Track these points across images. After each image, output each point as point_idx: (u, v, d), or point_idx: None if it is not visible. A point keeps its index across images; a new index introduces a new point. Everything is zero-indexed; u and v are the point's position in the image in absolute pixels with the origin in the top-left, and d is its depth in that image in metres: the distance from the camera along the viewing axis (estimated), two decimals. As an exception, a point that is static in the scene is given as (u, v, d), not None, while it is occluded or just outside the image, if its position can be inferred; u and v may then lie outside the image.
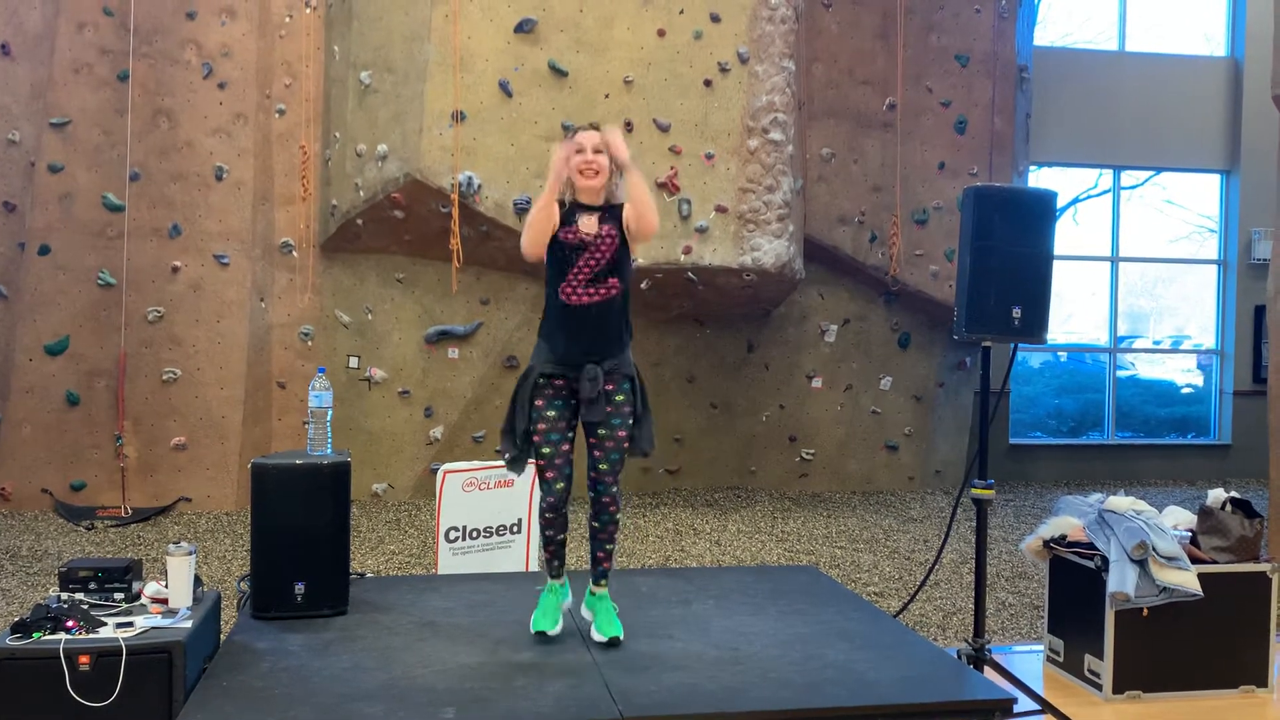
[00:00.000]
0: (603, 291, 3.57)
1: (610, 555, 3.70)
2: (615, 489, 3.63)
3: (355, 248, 8.78)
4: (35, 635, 3.18)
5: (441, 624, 3.87)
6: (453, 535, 5.15)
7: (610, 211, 3.63)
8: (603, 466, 3.60)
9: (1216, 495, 4.59)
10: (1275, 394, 6.69)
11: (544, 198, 3.58)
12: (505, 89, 8.14)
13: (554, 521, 3.65)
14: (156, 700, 3.15)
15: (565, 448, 3.59)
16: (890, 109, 9.61)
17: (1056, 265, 4.28)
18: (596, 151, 3.60)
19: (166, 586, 3.55)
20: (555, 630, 3.64)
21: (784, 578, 4.71)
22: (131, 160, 8.27)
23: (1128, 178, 11.91)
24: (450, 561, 5.12)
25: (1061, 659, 4.64)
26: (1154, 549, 4.25)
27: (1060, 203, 11.41)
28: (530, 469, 3.80)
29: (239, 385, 8.43)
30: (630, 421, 3.59)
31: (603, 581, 3.69)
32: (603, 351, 3.56)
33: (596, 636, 3.58)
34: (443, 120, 8.03)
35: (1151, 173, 11.96)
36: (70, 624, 3.22)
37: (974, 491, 4.22)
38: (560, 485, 3.59)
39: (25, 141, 8.26)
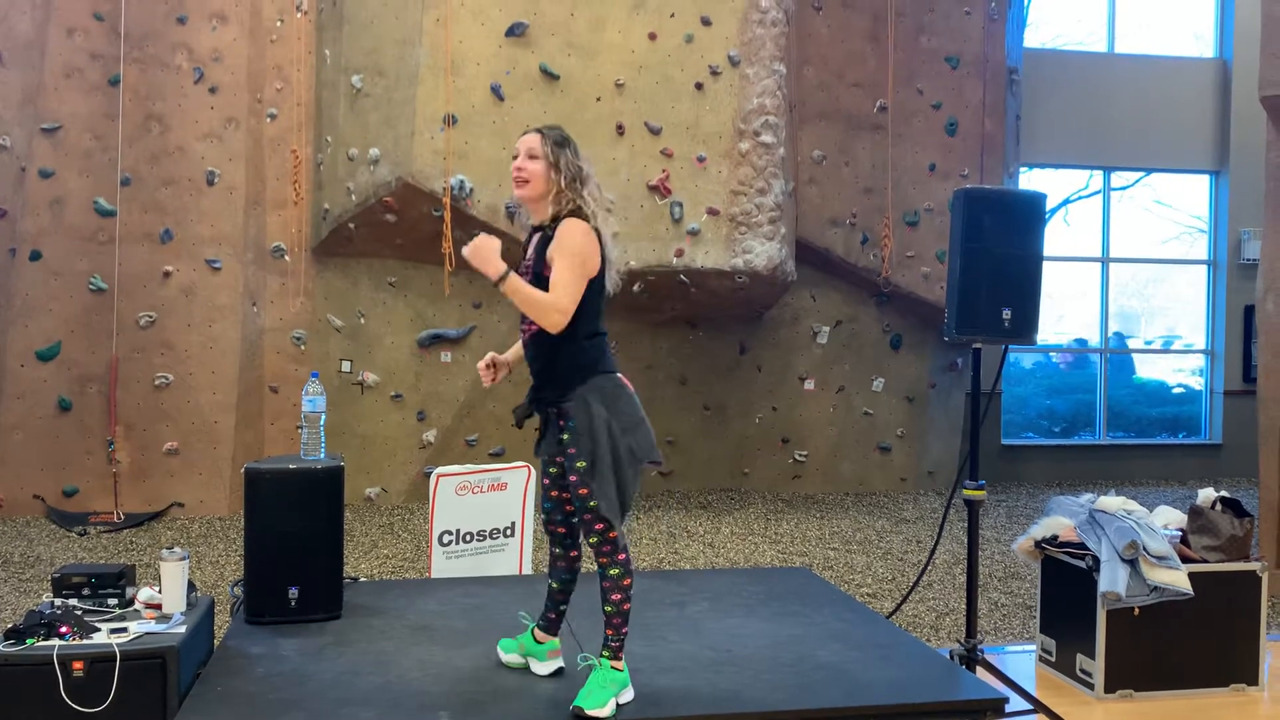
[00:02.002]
0: (526, 326, 3.21)
1: (610, 620, 3.12)
2: (595, 540, 3.11)
3: (347, 252, 8.78)
4: (29, 641, 3.18)
5: (435, 628, 3.88)
6: (446, 539, 5.15)
7: (547, 236, 3.17)
8: (572, 506, 3.22)
9: (1206, 495, 4.61)
10: (1265, 394, 6.72)
11: None
12: (497, 92, 8.15)
13: (551, 561, 3.40)
14: (150, 706, 3.15)
15: (545, 481, 3.32)
16: (881, 111, 9.64)
17: (1048, 266, 4.30)
18: (530, 157, 3.18)
19: (160, 592, 3.55)
20: (505, 658, 3.42)
21: (777, 579, 4.72)
22: (123, 165, 8.26)
23: (1118, 179, 11.96)
24: (444, 565, 5.12)
25: (1053, 659, 4.65)
26: (1145, 549, 4.27)
27: (1051, 204, 11.52)
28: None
29: (231, 390, 8.43)
30: (577, 465, 3.09)
31: (604, 652, 3.12)
32: (544, 392, 3.20)
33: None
34: (434, 124, 8.04)
35: (1141, 174, 12.00)
36: (64, 630, 3.22)
37: (966, 492, 4.24)
38: (543, 520, 3.37)
39: (16, 147, 8.24)
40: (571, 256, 3.08)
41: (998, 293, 4.08)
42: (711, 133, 8.43)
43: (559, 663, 3.39)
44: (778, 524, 8.31)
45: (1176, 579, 4.25)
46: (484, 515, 5.24)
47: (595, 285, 3.16)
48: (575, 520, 3.26)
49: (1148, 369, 12.42)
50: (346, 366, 8.85)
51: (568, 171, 3.16)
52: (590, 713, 2.98)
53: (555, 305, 3.04)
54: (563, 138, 3.22)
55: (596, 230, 3.16)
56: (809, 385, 9.86)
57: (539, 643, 3.39)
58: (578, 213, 3.15)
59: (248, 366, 8.57)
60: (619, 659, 3.14)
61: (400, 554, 7.10)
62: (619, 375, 3.23)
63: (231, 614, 4.18)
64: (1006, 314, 4.09)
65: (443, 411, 8.92)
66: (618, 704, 3.07)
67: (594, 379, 3.15)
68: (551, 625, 3.41)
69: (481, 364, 3.39)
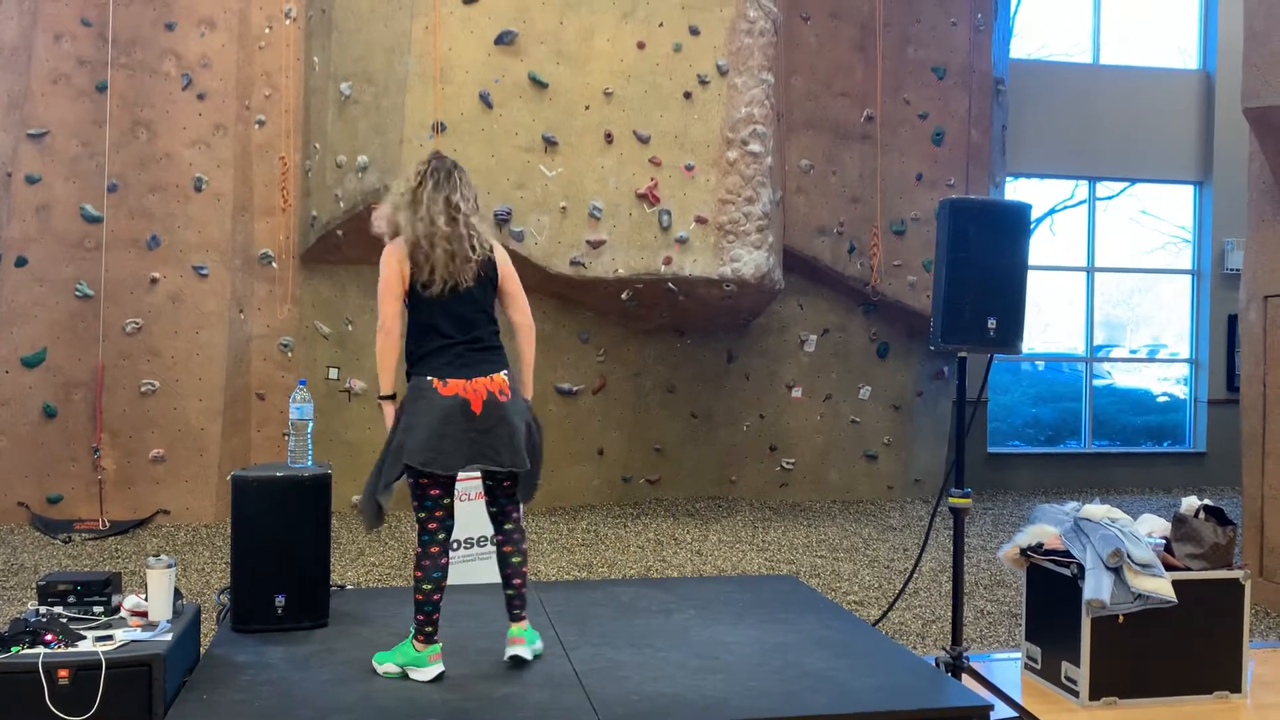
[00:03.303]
0: None
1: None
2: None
3: (335, 259, 8.77)
4: (14, 649, 3.17)
5: (422, 635, 3.87)
6: (434, 546, 5.13)
7: None
8: None
9: (1190, 503, 4.64)
10: (1247, 403, 6.77)
11: None
12: (486, 100, 8.17)
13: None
14: (136, 713, 3.15)
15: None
16: (868, 121, 9.69)
17: (1033, 275, 4.33)
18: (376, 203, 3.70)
19: (146, 599, 3.55)
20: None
21: (764, 587, 4.74)
22: (110, 171, 8.24)
23: (1103, 189, 12.04)
24: (431, 573, 5.11)
25: (1039, 666, 4.68)
26: (1129, 556, 4.29)
27: (1037, 213, 11.58)
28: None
29: (218, 397, 8.40)
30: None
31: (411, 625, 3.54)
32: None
33: None
34: (423, 131, 8.04)
35: (1126, 184, 12.09)
36: (49, 638, 3.21)
37: (951, 500, 4.26)
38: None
39: (2, 153, 8.20)
40: (379, 285, 3.55)
41: (983, 302, 4.11)
42: (700, 141, 8.45)
43: (538, 643, 3.66)
44: (765, 532, 8.33)
45: (1160, 587, 4.28)
46: (470, 523, 5.24)
47: (415, 294, 3.50)
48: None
49: (1133, 377, 12.49)
50: (334, 374, 8.83)
51: (392, 202, 3.58)
52: (374, 661, 3.49)
53: (378, 334, 3.58)
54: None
55: (413, 244, 3.45)
56: (796, 393, 9.88)
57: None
58: (395, 235, 3.53)
59: (235, 373, 8.55)
60: (418, 640, 3.45)
61: (387, 561, 7.09)
62: (435, 379, 3.51)
63: (218, 622, 4.17)
64: (992, 323, 4.12)
65: (430, 419, 8.89)
66: (407, 675, 3.42)
67: (410, 380, 3.60)
68: (511, 605, 3.59)
69: None
